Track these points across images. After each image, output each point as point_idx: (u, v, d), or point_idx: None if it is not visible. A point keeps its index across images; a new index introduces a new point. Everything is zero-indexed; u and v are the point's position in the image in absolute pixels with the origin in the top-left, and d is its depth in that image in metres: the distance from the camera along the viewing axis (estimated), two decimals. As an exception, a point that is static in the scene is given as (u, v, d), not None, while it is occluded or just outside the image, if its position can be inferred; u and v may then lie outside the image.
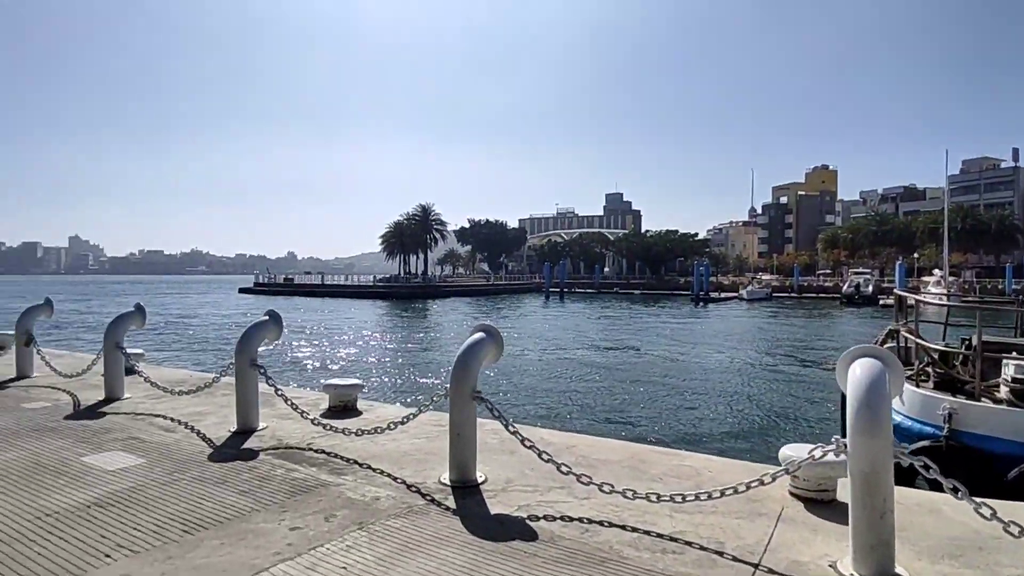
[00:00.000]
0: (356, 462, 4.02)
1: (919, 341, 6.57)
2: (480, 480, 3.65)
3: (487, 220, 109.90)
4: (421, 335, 27.76)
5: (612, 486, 3.14)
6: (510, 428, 3.59)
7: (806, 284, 71.44)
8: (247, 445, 4.43)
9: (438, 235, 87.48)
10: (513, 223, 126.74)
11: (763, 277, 79.40)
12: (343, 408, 5.54)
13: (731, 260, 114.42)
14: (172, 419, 5.24)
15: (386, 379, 15.40)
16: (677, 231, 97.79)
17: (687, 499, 3.07)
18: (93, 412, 5.54)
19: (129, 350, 6.41)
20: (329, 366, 17.83)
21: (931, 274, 56.63)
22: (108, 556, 2.66)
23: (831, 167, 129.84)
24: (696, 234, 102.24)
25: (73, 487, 3.55)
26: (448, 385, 3.70)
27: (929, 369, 6.47)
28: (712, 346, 25.16)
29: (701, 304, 56.02)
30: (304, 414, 4.57)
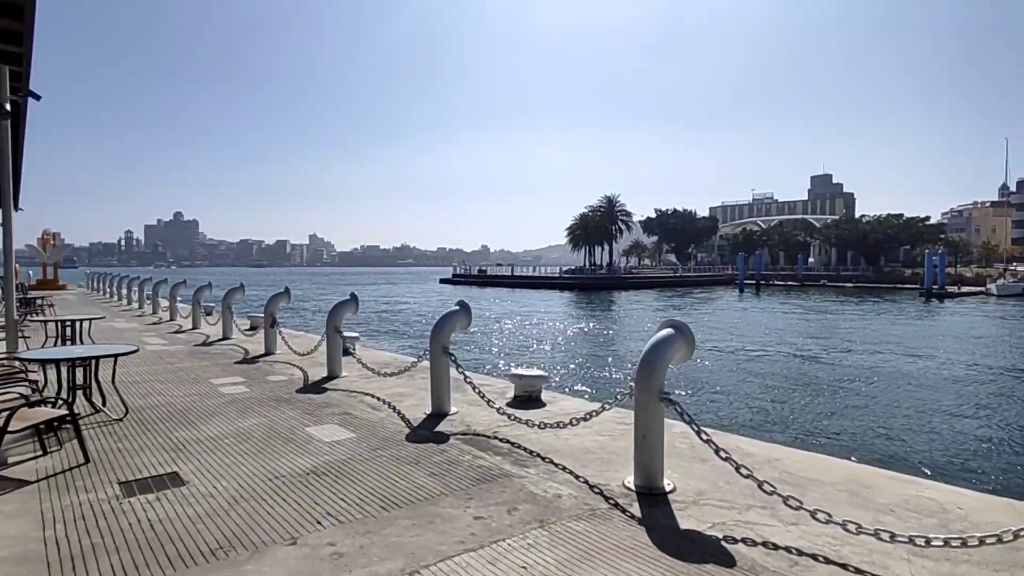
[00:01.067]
0: (539, 455, 4.00)
1: None
2: (668, 488, 3.39)
3: (674, 209, 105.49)
4: (604, 327, 27.59)
5: (828, 515, 2.69)
6: (703, 435, 3.27)
7: (1087, 277, 56.74)
8: (439, 428, 4.67)
9: (623, 226, 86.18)
10: (703, 212, 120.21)
11: (1019, 269, 65.07)
12: (528, 398, 5.61)
13: (975, 248, 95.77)
14: (378, 398, 5.76)
15: (569, 371, 15.50)
16: (901, 215, 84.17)
17: (931, 542, 2.50)
18: (317, 388, 6.32)
19: (347, 333, 7.24)
20: (515, 354, 18.50)
21: None
22: (319, 523, 2.94)
23: None
24: (927, 218, 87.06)
25: (297, 454, 4.03)
26: (633, 383, 3.49)
27: None
28: (950, 351, 21.19)
29: (933, 300, 47.65)
30: (491, 402, 4.70)
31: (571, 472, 3.69)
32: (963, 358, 19.51)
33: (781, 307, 40.64)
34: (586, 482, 3.52)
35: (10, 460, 3.86)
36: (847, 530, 2.61)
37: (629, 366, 16.07)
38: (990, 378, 16.38)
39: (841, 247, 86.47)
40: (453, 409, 5.18)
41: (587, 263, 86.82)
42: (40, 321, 8.75)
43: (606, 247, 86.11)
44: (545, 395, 5.73)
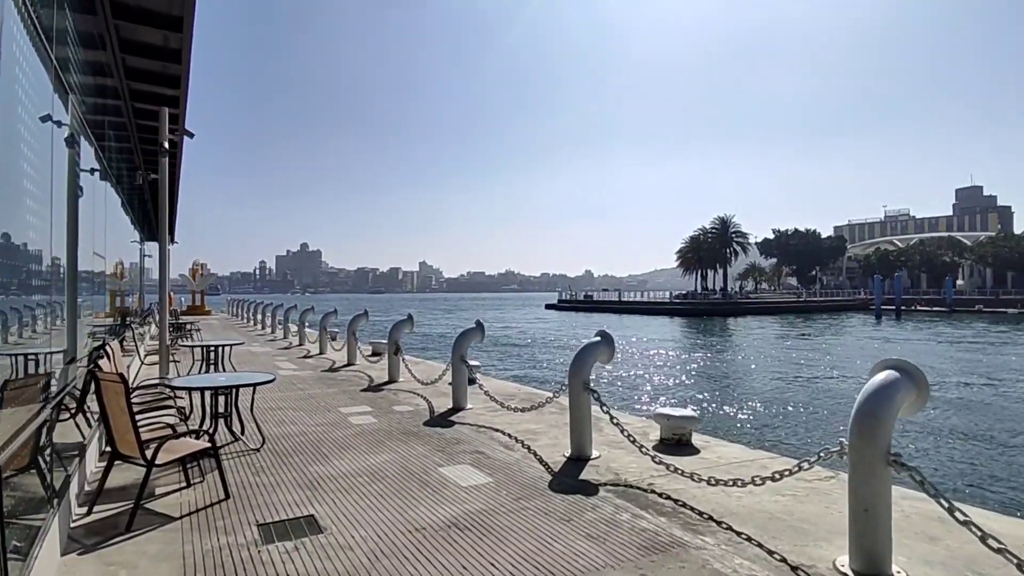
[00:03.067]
0: (712, 518, 3.35)
1: None
2: (898, 577, 2.64)
3: (795, 229, 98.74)
4: (729, 356, 25.77)
5: None
6: (943, 501, 2.51)
7: None
8: (584, 476, 4.15)
9: (739, 248, 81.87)
10: (827, 231, 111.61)
11: None
12: (677, 442, 4.95)
13: None
14: (509, 435, 5.35)
15: (706, 407, 14.32)
16: (1077, 230, 73.02)
17: None
18: (444, 420, 6.04)
19: (470, 362, 6.95)
20: (639, 386, 17.57)
21: None
22: (472, 596, 2.51)
23: None
24: (1112, 232, 74.85)
25: (434, 500, 3.68)
26: (846, 440, 2.79)
27: None
28: None
29: None
30: (640, 447, 4.12)
31: (760, 544, 3.01)
32: None
33: (933, 336, 36.18)
34: (784, 560, 2.84)
35: (157, 491, 3.82)
36: None
37: (774, 405, 14.66)
38: None
39: (999, 268, 76.50)
40: (595, 452, 4.64)
41: (699, 287, 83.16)
42: (188, 346, 9.32)
43: (719, 270, 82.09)
44: (696, 439, 5.05)
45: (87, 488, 3.86)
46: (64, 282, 5.10)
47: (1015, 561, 2.31)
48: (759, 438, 10.76)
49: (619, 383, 17.52)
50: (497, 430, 5.56)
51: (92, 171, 6.12)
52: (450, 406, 6.65)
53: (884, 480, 2.67)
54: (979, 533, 2.39)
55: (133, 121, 7.78)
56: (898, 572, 2.67)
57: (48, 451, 3.11)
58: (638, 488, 3.88)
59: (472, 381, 6.79)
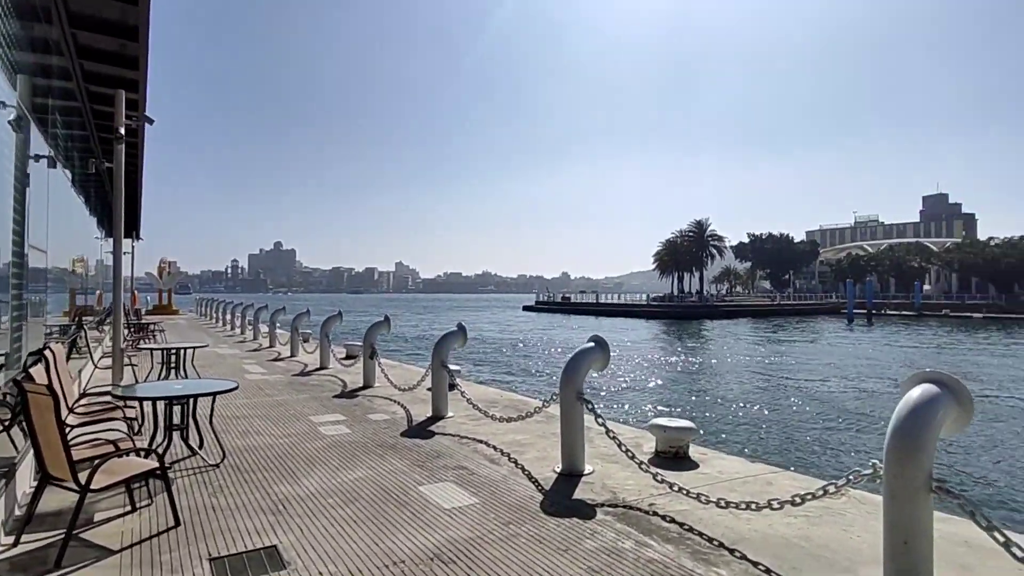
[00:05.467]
0: (723, 545, 3.03)
1: None
2: (944, 620, 2.34)
3: (769, 234, 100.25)
4: (708, 360, 25.75)
5: None
6: (999, 535, 2.22)
7: None
8: (579, 495, 3.80)
9: (715, 251, 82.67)
10: (800, 236, 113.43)
11: None
12: (674, 455, 4.63)
13: None
14: (494, 447, 4.97)
15: (696, 414, 14.06)
16: (1039, 237, 75.30)
17: None
18: (424, 430, 5.64)
19: (451, 366, 6.55)
20: (622, 392, 17.31)
21: None
22: (460, 652, 2.13)
23: None
24: (1071, 240, 77.42)
25: (415, 525, 3.29)
26: (879, 462, 2.49)
27: None
28: None
29: (1089, 333, 41.53)
30: (639, 462, 3.78)
31: (780, 577, 2.70)
32: None
33: (904, 340, 36.81)
34: (810, 598, 2.53)
35: (97, 517, 3.37)
36: None
37: (761, 411, 14.51)
38: None
39: (964, 273, 78.54)
40: (588, 467, 4.30)
41: (675, 290, 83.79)
42: (147, 349, 8.74)
43: (696, 273, 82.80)
44: (694, 451, 4.74)
45: (16, 513, 3.39)
46: (7, 278, 4.59)
47: None
48: (754, 448, 10.54)
49: (602, 389, 17.26)
50: (481, 441, 5.18)
51: (39, 158, 5.60)
52: (429, 414, 6.25)
53: (926, 509, 2.37)
54: (1021, 558, 2.10)
55: (88, 105, 7.23)
56: (940, 611, 2.38)
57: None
58: (639, 510, 3.54)
59: (453, 387, 6.41)
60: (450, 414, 6.23)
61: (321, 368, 9.97)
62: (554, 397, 4.48)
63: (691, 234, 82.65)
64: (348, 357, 11.21)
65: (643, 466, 3.77)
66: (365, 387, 8.05)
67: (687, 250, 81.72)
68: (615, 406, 14.51)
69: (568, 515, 3.46)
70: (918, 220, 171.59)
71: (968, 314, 61.63)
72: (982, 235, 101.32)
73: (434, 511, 3.52)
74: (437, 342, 6.40)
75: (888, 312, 66.58)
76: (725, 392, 17.35)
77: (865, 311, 62.94)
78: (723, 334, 40.72)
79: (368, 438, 5.30)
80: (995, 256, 74.82)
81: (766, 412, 14.19)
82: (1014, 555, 2.16)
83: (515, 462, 4.55)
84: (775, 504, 2.97)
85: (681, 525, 3.30)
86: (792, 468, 5.63)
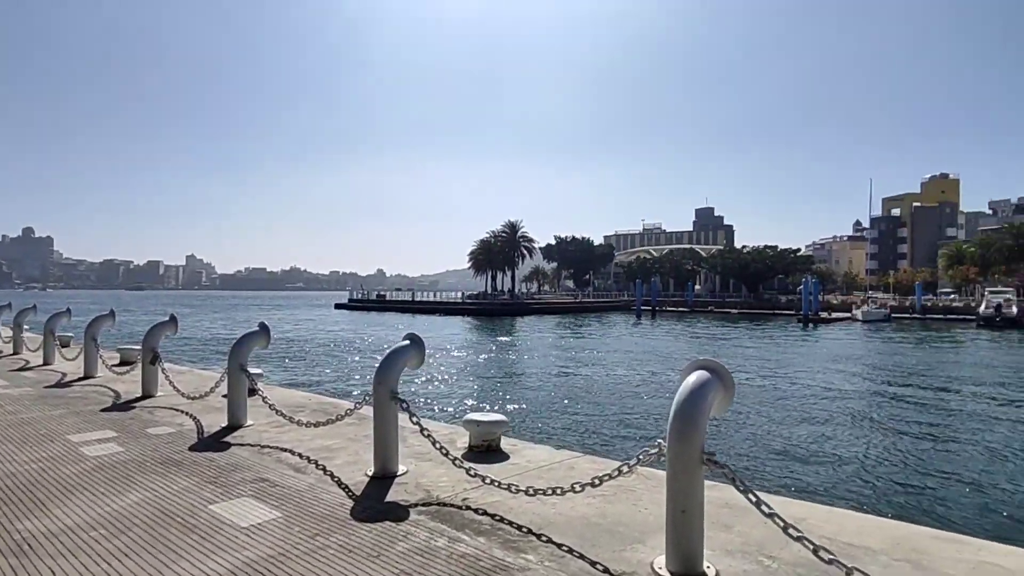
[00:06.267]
0: (532, 532, 3.17)
1: None
2: (712, 575, 2.69)
3: (573, 237, 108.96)
4: (519, 355, 27.07)
5: None
6: (751, 496, 2.61)
7: (930, 304, 64.63)
8: (392, 497, 3.71)
9: (526, 252, 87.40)
10: (599, 239, 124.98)
11: (877, 296, 73.06)
12: (486, 448, 4.75)
13: (839, 278, 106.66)
14: (300, 455, 4.65)
15: (507, 407, 14.57)
16: (776, 247, 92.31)
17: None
18: (217, 442, 5.08)
19: (252, 370, 5.99)
20: (438, 389, 17.38)
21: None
22: None
23: (952, 176, 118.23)
24: (798, 249, 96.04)
25: (204, 549, 2.93)
26: (663, 442, 2.78)
27: None
28: (845, 375, 22.69)
29: (810, 325, 51.91)
30: (453, 458, 3.80)
31: (582, 556, 2.89)
32: (864, 387, 20.86)
33: (679, 332, 42.34)
34: (607, 570, 2.75)
35: None
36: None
37: (566, 401, 15.52)
38: (896, 406, 17.48)
39: (725, 275, 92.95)
40: (402, 468, 4.21)
41: (489, 288, 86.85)
42: None
43: (508, 273, 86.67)
44: (505, 443, 4.91)
45: None
46: None
47: (794, 535, 2.45)
48: (560, 436, 11.29)
49: (419, 387, 17.18)
50: (285, 450, 4.81)
51: None
52: (225, 424, 5.65)
53: (699, 480, 2.71)
54: (769, 511, 2.51)
55: None
56: (708, 567, 2.73)
57: None
58: (453, 506, 3.55)
59: (253, 392, 5.86)
60: (250, 422, 5.70)
61: (86, 377, 8.49)
62: (367, 398, 4.32)
63: (504, 235, 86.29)
64: (123, 363, 9.68)
65: (456, 462, 3.80)
66: (145, 397, 7.03)
67: (500, 250, 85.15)
68: (432, 404, 14.56)
69: (380, 519, 3.35)
70: (692, 229, 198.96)
71: (727, 310, 73.12)
72: (738, 243, 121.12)
73: (229, 531, 3.17)
74: (235, 343, 5.81)
75: (668, 309, 76.27)
76: (534, 384, 18.40)
77: (650, 308, 71.35)
78: (532, 330, 43.20)
79: (146, 456, 4.62)
80: (747, 261, 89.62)
81: (569, 401, 15.34)
82: (762, 512, 2.56)
83: (323, 469, 4.30)
84: (577, 487, 3.19)
85: (493, 516, 3.38)
86: (593, 452, 6.15)
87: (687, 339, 37.77)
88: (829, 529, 3.24)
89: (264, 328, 5.95)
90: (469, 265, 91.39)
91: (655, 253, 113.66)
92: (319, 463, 4.44)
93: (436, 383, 18.30)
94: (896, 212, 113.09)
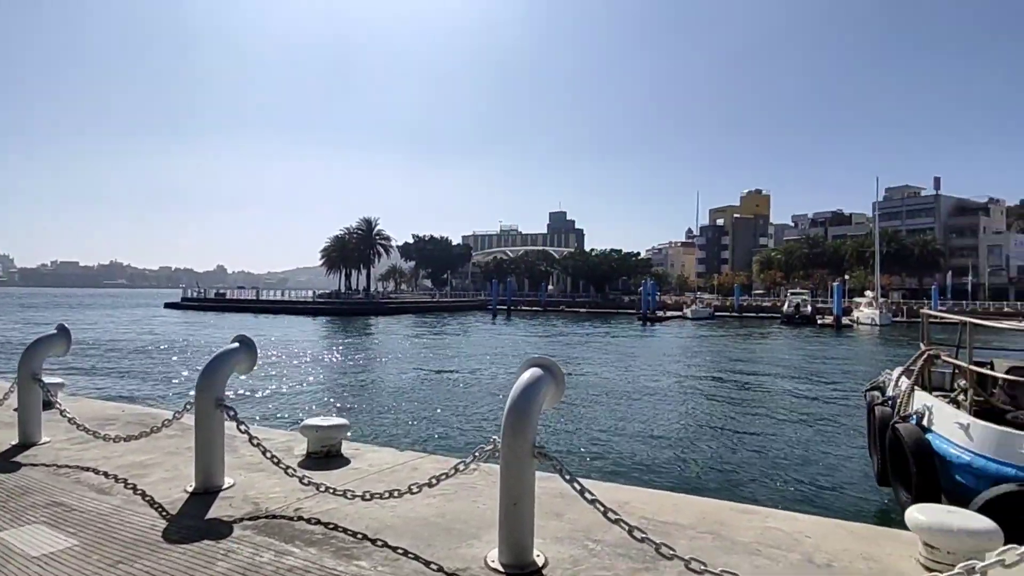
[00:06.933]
0: (367, 537, 3.10)
1: (975, 369, 6.13)
2: (540, 563, 2.82)
3: (431, 236, 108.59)
4: (374, 356, 26.37)
5: (703, 564, 2.35)
6: (576, 485, 2.79)
7: (746, 304, 73.74)
8: (214, 514, 3.42)
9: (382, 250, 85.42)
10: (457, 239, 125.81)
11: (704, 297, 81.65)
12: (326, 455, 4.56)
13: (672, 279, 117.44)
14: (106, 474, 4.13)
15: (356, 411, 14.03)
16: (621, 250, 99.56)
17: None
18: (5, 463, 4.35)
19: (46, 379, 5.19)
20: (282, 394, 16.32)
21: (863, 295, 59.50)
22: None
23: (764, 191, 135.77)
24: (638, 253, 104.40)
25: (-32, 593, 2.48)
26: (498, 438, 2.87)
27: (963, 398, 6.15)
28: (673, 368, 24.99)
29: (648, 323, 56.63)
30: (286, 467, 3.60)
31: (416, 557, 2.88)
32: (691, 374, 23.06)
33: (532, 331, 43.98)
34: (441, 569, 2.77)
35: None
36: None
37: (418, 402, 15.33)
38: (715, 390, 19.55)
39: (575, 276, 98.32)
40: (228, 480, 3.91)
41: (343, 287, 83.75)
42: None
43: (364, 271, 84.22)
44: (347, 448, 4.75)
45: None
46: None
47: (613, 518, 2.66)
48: (410, 438, 11.13)
49: (257, 392, 16.03)
50: (87, 469, 4.24)
51: None
52: (15, 442, 4.85)
53: (530, 472, 2.83)
54: (592, 497, 2.71)
55: None
56: (538, 555, 2.86)
57: None
58: (283, 517, 3.36)
59: (49, 405, 5.09)
60: (45, 439, 4.95)
61: None
62: (187, 406, 3.95)
63: (360, 232, 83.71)
64: None
65: (290, 471, 3.60)
66: (-98, 415, 5.80)
67: (356, 248, 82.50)
68: (274, 410, 13.67)
69: (199, 539, 3.07)
70: (546, 231, 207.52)
71: (577, 309, 77.33)
72: (588, 246, 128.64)
73: (18, 562, 2.72)
74: (26, 349, 5.02)
75: (523, 308, 78.90)
76: (386, 386, 18.04)
77: (506, 307, 73.32)
78: (388, 330, 42.35)
79: (-101, 486, 3.81)
80: (595, 263, 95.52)
81: (420, 402, 15.26)
82: (586, 499, 2.74)
83: (134, 488, 3.85)
84: (414, 488, 3.18)
85: (326, 525, 3.25)
86: (439, 452, 6.17)
87: (539, 337, 39.37)
88: (649, 509, 3.56)
89: (63, 331, 5.20)
90: (322, 263, 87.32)
91: (511, 254, 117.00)
92: (128, 482, 3.97)
93: (280, 388, 17.21)
94: (720, 222, 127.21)
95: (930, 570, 2.74)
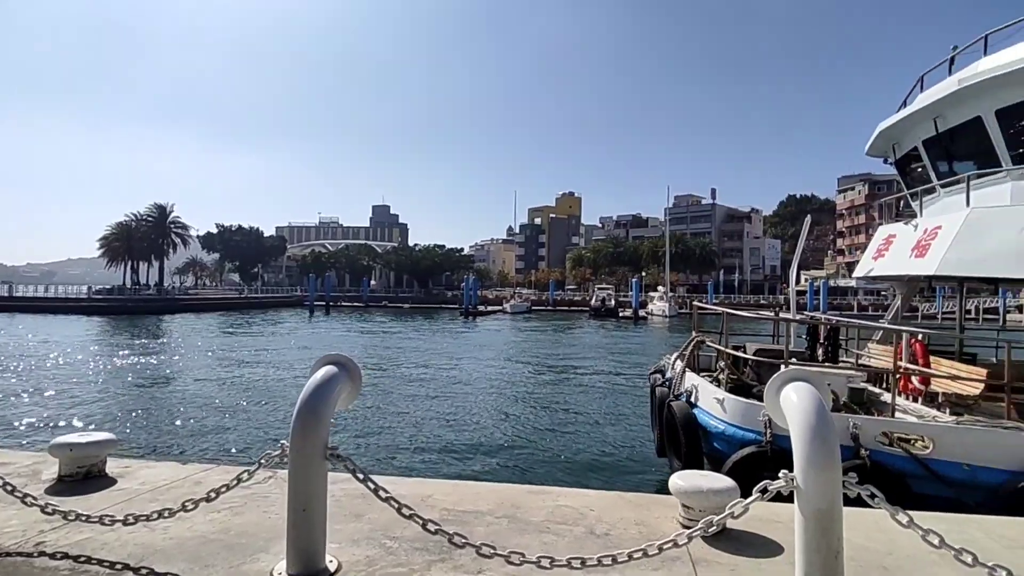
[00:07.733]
0: (129, 567, 2.71)
1: (733, 352, 7.24)
2: (333, 568, 2.70)
3: (239, 226, 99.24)
4: (164, 360, 23.36)
5: (494, 547, 2.48)
6: (369, 484, 2.71)
7: (559, 298, 78.97)
8: (-86, 562, 2.73)
9: (178, 240, 76.16)
10: (270, 231, 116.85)
11: (523, 292, 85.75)
12: (84, 476, 3.91)
13: (494, 275, 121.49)
14: None
15: (135, 423, 12.19)
16: (444, 246, 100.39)
17: (602, 561, 2.56)
18: None
19: None
20: (34, 409, 13.67)
21: (656, 290, 67.21)
22: None
23: (576, 194, 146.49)
24: (461, 249, 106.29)
25: None
26: (286, 442, 2.68)
27: (722, 376, 7.24)
28: (490, 360, 25.81)
29: (470, 318, 57.89)
30: (24, 496, 3.01)
31: (190, 581, 2.59)
32: (506, 366, 23.94)
33: (352, 328, 42.51)
34: (220, 590, 2.51)
35: None
36: (542, 567, 2.48)
37: (214, 411, 13.84)
38: (521, 378, 20.50)
39: (399, 271, 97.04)
40: (-59, 519, 3.16)
41: (129, 282, 73.19)
42: None
43: (156, 263, 74.49)
44: (114, 467, 4.13)
45: None
46: None
47: (407, 514, 2.64)
48: (197, 450, 9.99)
49: (5, 409, 13.33)
50: None
51: None
52: None
53: (322, 475, 2.68)
54: (386, 495, 2.66)
55: None
56: (331, 561, 2.74)
57: None
58: (20, 554, 2.81)
59: None
60: None
61: None
62: None
63: (150, 219, 73.95)
64: None
65: (28, 499, 3.01)
66: None
67: (145, 236, 72.70)
68: (24, 431, 11.44)
69: None
70: (369, 225, 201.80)
71: (400, 305, 76.41)
72: (411, 242, 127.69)
73: None
74: None
75: (343, 304, 75.84)
76: (175, 393, 16.12)
77: (325, 304, 69.86)
78: (184, 330, 37.95)
79: None
80: (418, 259, 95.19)
81: (215, 409, 13.89)
82: (379, 497, 2.68)
83: None
84: (189, 505, 2.84)
85: (75, 559, 2.78)
86: (230, 462, 5.64)
87: (359, 334, 38.14)
88: (451, 500, 3.61)
89: None
90: (101, 253, 75.22)
91: (331, 248, 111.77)
92: None
93: (33, 403, 14.42)
94: (538, 221, 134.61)
95: (685, 527, 3.15)
